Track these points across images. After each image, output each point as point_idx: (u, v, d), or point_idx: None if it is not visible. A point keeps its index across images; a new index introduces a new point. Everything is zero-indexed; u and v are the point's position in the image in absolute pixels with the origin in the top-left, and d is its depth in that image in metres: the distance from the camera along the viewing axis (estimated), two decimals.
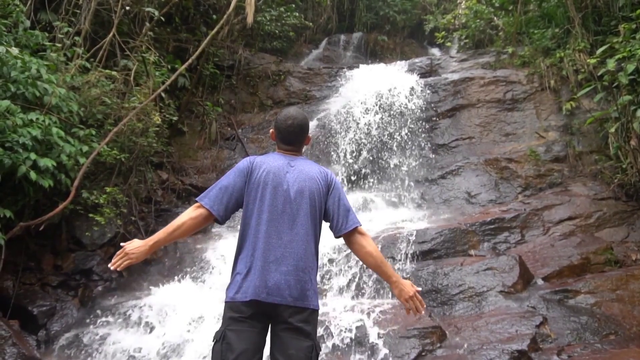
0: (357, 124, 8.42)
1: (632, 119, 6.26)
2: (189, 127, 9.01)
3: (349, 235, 2.69)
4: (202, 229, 7.17)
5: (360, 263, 5.74)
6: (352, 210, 2.74)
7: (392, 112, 8.48)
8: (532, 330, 4.57)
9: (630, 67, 6.11)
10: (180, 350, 4.95)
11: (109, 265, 2.52)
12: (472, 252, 5.94)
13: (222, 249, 6.36)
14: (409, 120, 8.41)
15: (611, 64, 6.33)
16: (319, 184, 2.68)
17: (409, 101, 8.58)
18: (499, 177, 7.40)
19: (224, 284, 2.63)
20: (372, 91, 8.72)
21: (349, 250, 5.89)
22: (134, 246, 2.51)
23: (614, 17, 7.52)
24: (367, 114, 8.49)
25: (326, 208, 2.71)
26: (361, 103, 8.62)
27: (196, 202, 2.64)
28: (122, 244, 2.58)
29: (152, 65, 7.30)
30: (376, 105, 8.56)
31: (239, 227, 2.71)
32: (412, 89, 8.73)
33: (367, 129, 8.36)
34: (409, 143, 8.25)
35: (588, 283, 5.17)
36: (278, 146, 2.83)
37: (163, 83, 7.18)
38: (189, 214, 2.61)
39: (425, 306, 2.71)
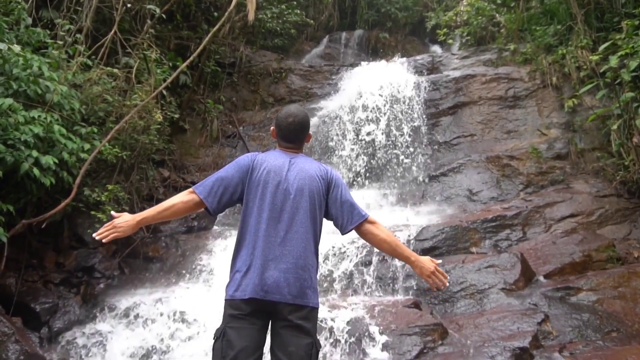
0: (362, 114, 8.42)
1: (635, 116, 6.24)
2: (191, 124, 9.02)
3: (359, 227, 2.68)
4: (205, 226, 7.21)
5: (360, 260, 5.75)
6: (356, 204, 2.73)
7: (393, 110, 8.48)
8: (533, 327, 4.56)
9: (633, 64, 6.09)
10: (180, 346, 4.96)
11: (94, 234, 2.54)
12: (473, 249, 5.94)
13: (224, 247, 6.36)
14: (411, 118, 8.41)
15: (614, 61, 6.31)
16: (318, 182, 2.67)
17: (410, 99, 8.57)
18: (501, 174, 7.39)
19: (225, 282, 2.64)
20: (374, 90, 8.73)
21: (349, 248, 5.91)
22: (123, 220, 2.54)
23: (617, 13, 7.49)
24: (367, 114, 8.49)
25: (329, 207, 2.70)
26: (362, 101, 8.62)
27: (191, 188, 2.66)
28: (112, 213, 2.61)
29: (153, 63, 7.30)
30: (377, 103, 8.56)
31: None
32: (415, 86, 8.72)
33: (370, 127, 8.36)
34: (411, 141, 8.24)
35: (590, 280, 5.16)
36: (279, 144, 2.83)
37: (164, 81, 7.17)
38: (181, 197, 2.63)
39: (448, 278, 2.73)
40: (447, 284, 2.73)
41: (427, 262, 2.70)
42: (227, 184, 2.64)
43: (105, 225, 2.54)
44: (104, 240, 2.52)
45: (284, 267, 2.50)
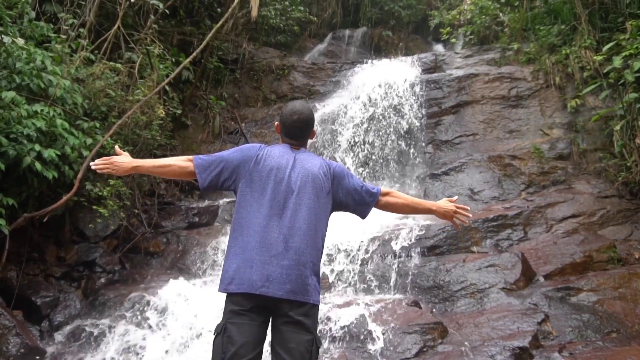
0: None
1: (638, 117, 6.23)
2: (193, 120, 9.02)
3: (377, 204, 2.78)
4: (206, 222, 7.20)
5: (361, 258, 5.75)
6: (365, 184, 2.79)
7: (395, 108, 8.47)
8: (533, 327, 4.57)
9: (637, 65, 6.07)
10: (180, 342, 4.97)
11: (91, 163, 2.63)
12: (474, 248, 5.94)
13: (225, 243, 6.37)
14: (413, 117, 8.40)
15: (617, 62, 6.30)
16: (322, 179, 2.67)
17: (410, 98, 8.57)
18: (503, 174, 7.38)
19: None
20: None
21: (349, 246, 5.91)
22: (121, 160, 2.62)
23: (621, 13, 7.46)
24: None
25: (341, 199, 2.73)
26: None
27: (192, 156, 2.71)
28: (116, 148, 2.71)
29: (156, 58, 7.30)
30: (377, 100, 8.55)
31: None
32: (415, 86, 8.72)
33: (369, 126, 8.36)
34: (413, 139, 8.23)
35: (590, 281, 5.16)
36: (282, 139, 2.83)
37: (167, 76, 7.17)
38: (179, 161, 2.69)
39: (469, 209, 2.89)
40: (470, 215, 2.88)
41: (447, 204, 2.84)
42: (225, 167, 2.65)
43: (105, 158, 2.63)
44: (98, 171, 2.61)
45: (286, 263, 2.49)
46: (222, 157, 2.68)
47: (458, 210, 2.84)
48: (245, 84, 10.12)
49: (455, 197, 2.91)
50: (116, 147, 2.75)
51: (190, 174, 2.67)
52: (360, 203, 2.75)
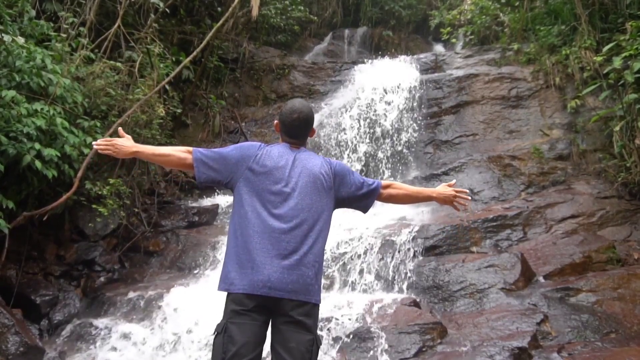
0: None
1: (637, 117, 6.24)
2: (193, 119, 9.03)
3: (378, 198, 2.82)
4: (206, 222, 7.20)
5: (360, 258, 5.76)
6: (365, 179, 2.82)
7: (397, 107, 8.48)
8: (532, 327, 4.57)
9: (637, 65, 6.08)
10: (180, 341, 4.98)
11: (93, 142, 2.68)
12: (474, 249, 5.94)
13: (224, 243, 6.36)
14: (413, 117, 8.40)
15: (617, 62, 6.30)
16: (323, 178, 2.66)
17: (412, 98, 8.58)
18: (502, 174, 7.39)
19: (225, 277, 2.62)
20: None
21: (349, 246, 5.91)
22: (123, 143, 2.64)
23: (621, 14, 7.47)
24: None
25: (344, 196, 2.74)
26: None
27: (193, 148, 2.71)
28: (120, 130, 2.73)
29: (156, 57, 7.30)
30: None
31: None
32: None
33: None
34: (413, 139, 8.24)
35: (590, 281, 5.16)
36: (282, 138, 2.82)
37: (167, 75, 7.17)
38: (178, 152, 2.68)
39: (468, 191, 2.94)
40: (470, 198, 2.93)
41: (446, 189, 2.89)
42: (223, 163, 2.64)
43: (107, 139, 2.65)
44: (99, 151, 2.63)
45: (287, 263, 2.48)
46: (221, 154, 2.67)
47: (457, 194, 2.88)
48: (245, 83, 10.12)
49: (454, 181, 2.95)
50: (119, 129, 2.76)
51: (188, 166, 2.66)
52: (362, 198, 2.77)
